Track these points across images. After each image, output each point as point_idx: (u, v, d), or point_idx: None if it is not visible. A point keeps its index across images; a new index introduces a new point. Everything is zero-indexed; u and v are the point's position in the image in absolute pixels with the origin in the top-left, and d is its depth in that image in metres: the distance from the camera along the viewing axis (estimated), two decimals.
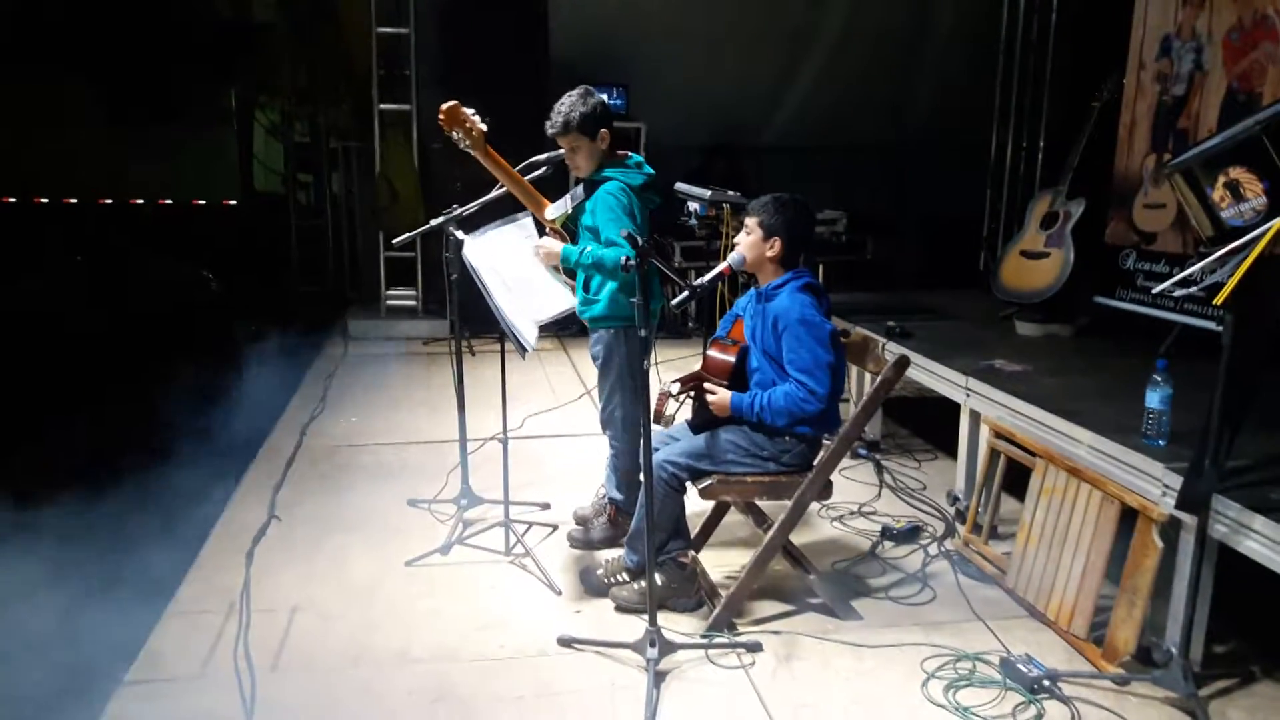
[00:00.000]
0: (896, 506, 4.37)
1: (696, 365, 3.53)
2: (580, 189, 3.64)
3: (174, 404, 4.99)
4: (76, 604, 3.27)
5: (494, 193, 3.81)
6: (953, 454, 4.35)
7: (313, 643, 3.24)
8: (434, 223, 3.84)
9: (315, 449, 5.12)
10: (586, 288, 3.71)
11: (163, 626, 3.31)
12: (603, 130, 3.59)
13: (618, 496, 3.92)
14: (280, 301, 8.87)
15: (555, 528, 4.11)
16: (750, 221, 3.38)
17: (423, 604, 3.50)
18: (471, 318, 4.17)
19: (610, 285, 3.61)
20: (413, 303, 8.19)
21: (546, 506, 4.29)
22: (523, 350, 3.55)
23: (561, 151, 3.67)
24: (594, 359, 3.81)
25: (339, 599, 3.52)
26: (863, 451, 4.95)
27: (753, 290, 3.48)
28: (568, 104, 3.58)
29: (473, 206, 3.84)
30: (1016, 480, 3.75)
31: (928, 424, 5.22)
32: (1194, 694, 2.81)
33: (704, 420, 3.41)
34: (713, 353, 3.46)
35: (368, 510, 4.30)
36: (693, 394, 3.44)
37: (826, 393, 3.24)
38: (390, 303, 8.19)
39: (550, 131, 3.61)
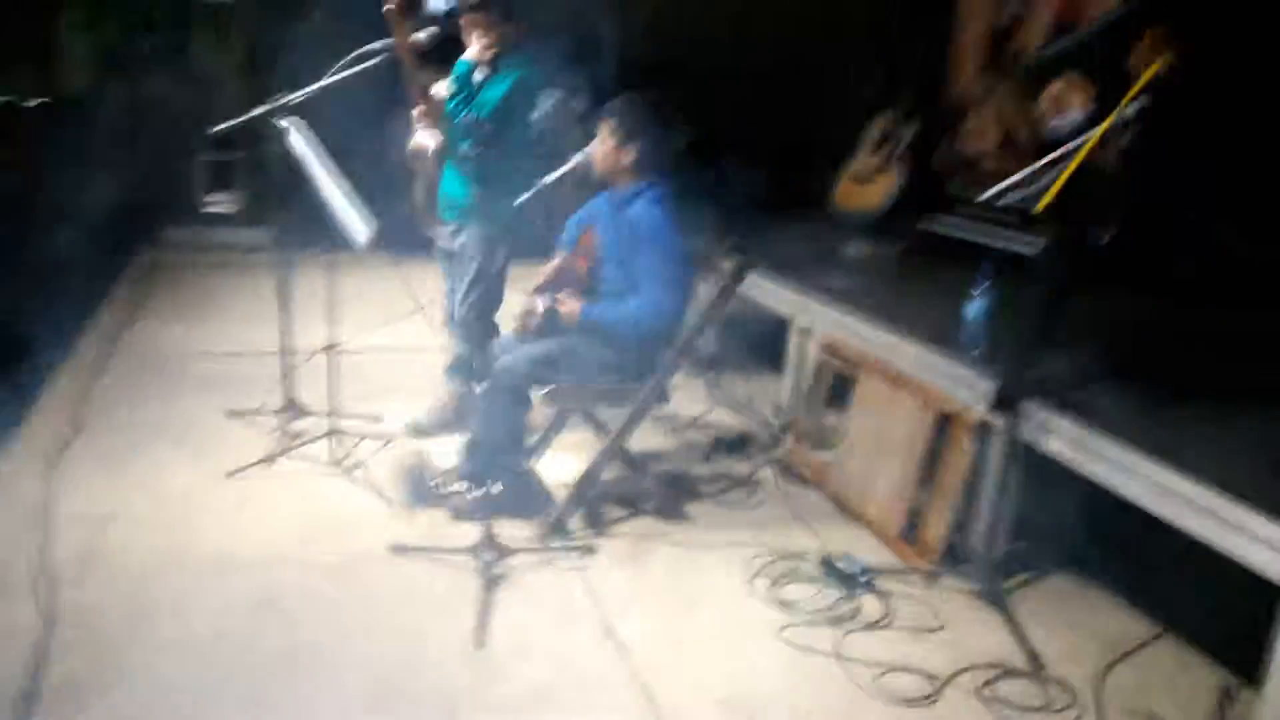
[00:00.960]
0: (727, 419, 4.48)
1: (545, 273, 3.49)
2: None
3: None
4: None
5: (324, 80, 3.61)
6: (781, 372, 4.49)
7: (125, 552, 3.07)
8: (257, 110, 3.61)
9: (128, 360, 4.81)
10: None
11: None
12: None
13: (461, 389, 3.91)
14: (87, 208, 8.19)
15: (387, 441, 4.01)
16: (604, 126, 3.31)
17: (245, 513, 3.36)
18: (297, 226, 3.97)
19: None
20: (232, 209, 7.73)
21: (378, 419, 4.17)
22: (355, 240, 3.38)
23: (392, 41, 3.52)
24: (457, 255, 3.81)
25: (154, 508, 3.34)
26: (697, 367, 5.04)
27: (604, 196, 3.43)
28: None
29: (299, 95, 3.62)
30: (841, 395, 3.90)
31: (759, 343, 5.36)
32: (996, 586, 3.03)
33: (551, 328, 3.37)
34: (563, 262, 3.41)
35: (185, 421, 4.08)
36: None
37: (676, 307, 3.26)
38: (209, 209, 7.70)
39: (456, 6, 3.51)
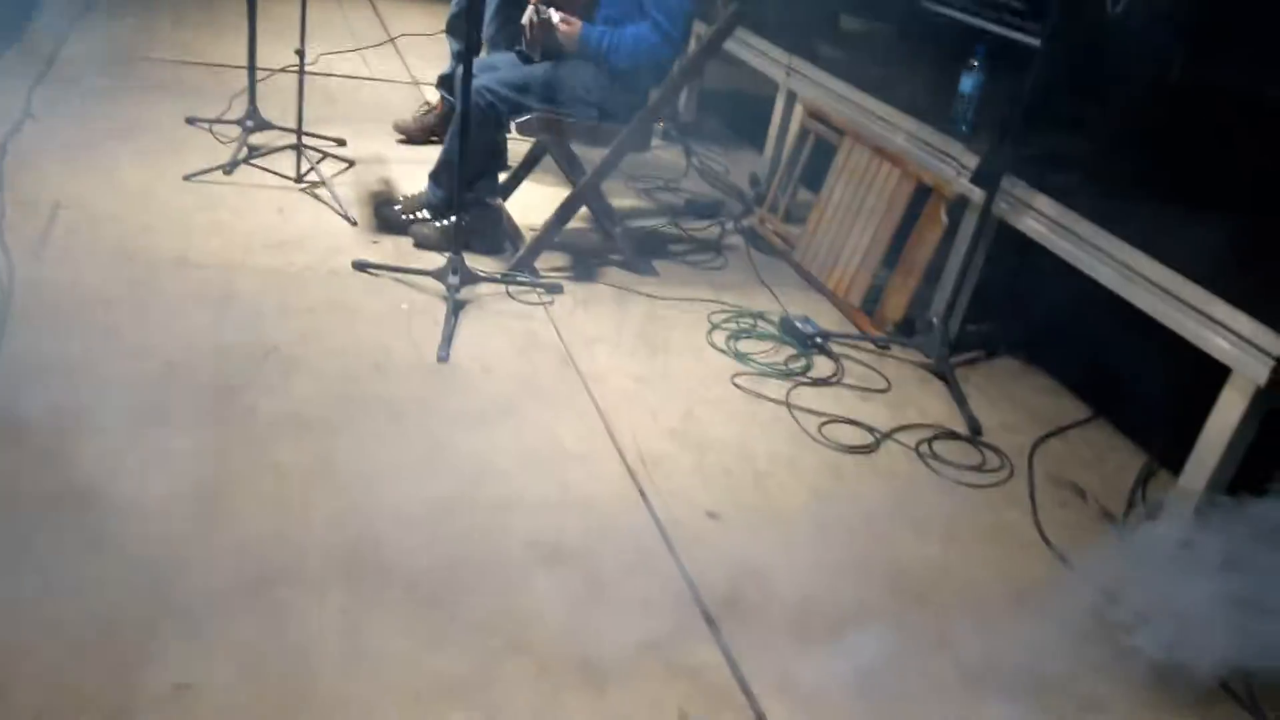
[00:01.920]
0: (701, 187, 4.42)
1: None
2: None
3: None
4: None
5: None
6: (759, 148, 4.42)
7: (80, 239, 3.00)
8: None
9: (79, 53, 4.54)
10: None
11: None
12: None
13: (450, 97, 3.91)
14: None
15: (351, 164, 3.90)
16: None
17: (203, 216, 3.28)
18: None
19: None
20: None
21: (342, 143, 4.03)
22: None
23: None
24: None
25: (108, 201, 3.25)
26: (674, 133, 4.93)
27: None
28: None
29: None
30: (816, 175, 3.85)
31: (739, 116, 5.24)
32: (944, 359, 3.11)
33: (541, 50, 3.22)
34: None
35: (141, 122, 3.91)
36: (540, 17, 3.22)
37: (678, 39, 3.14)
38: None
39: None
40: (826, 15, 4.78)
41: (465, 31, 2.94)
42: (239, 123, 3.84)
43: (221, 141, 3.83)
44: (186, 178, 3.50)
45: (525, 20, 3.22)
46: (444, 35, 4.15)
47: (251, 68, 3.80)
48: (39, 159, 3.43)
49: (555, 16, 3.14)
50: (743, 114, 5.13)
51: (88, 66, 4.39)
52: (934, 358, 3.14)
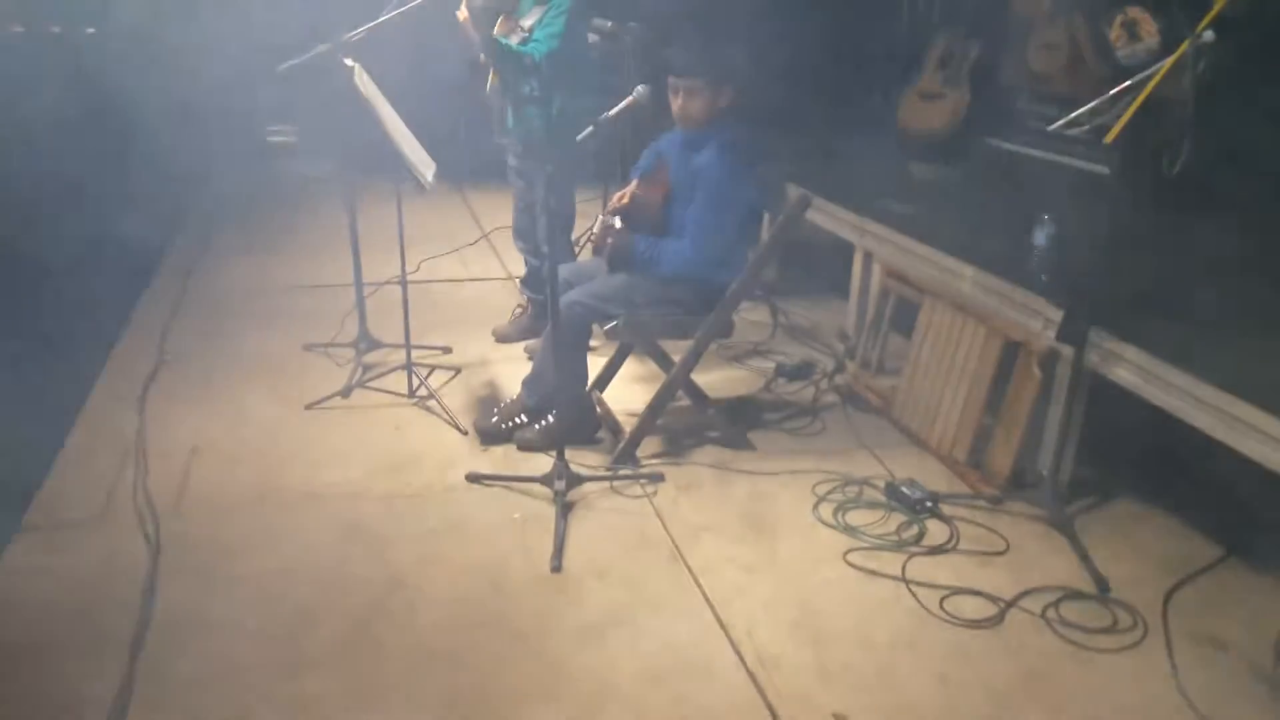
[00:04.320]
0: (790, 346, 4.50)
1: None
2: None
3: (53, 242, 4.69)
4: None
5: (382, 17, 3.63)
6: (844, 296, 4.49)
7: (215, 484, 3.22)
8: (321, 49, 3.64)
9: (202, 293, 4.95)
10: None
11: (57, 472, 3.23)
12: None
13: (535, 296, 4.21)
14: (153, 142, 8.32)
15: (458, 371, 4.11)
16: (678, 68, 3.32)
17: (326, 445, 3.49)
18: (358, 159, 4.05)
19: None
20: (292, 139, 7.81)
21: (448, 350, 4.27)
22: (421, 183, 3.47)
23: None
24: (525, 176, 4.08)
25: (239, 442, 3.49)
26: (759, 293, 5.04)
27: (678, 133, 3.45)
28: None
29: (359, 32, 3.65)
30: (904, 318, 3.90)
31: (821, 267, 5.34)
32: (1061, 511, 3.05)
33: (617, 258, 3.41)
34: (639, 190, 3.44)
35: (262, 354, 4.22)
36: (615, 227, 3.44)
37: (714, 259, 3.30)
38: (271, 139, 7.80)
39: None
40: (894, 167, 4.90)
41: (548, 252, 3.14)
42: (352, 345, 4.12)
43: (338, 364, 4.09)
44: (308, 407, 3.74)
45: (597, 229, 3.42)
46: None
47: (359, 288, 4.09)
48: (174, 404, 3.72)
49: (616, 223, 3.33)
50: (824, 265, 5.24)
51: (210, 305, 4.78)
52: (1049, 511, 3.08)
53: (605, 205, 3.59)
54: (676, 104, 3.37)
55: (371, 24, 3.66)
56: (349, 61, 3.57)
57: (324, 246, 5.62)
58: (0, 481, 3.03)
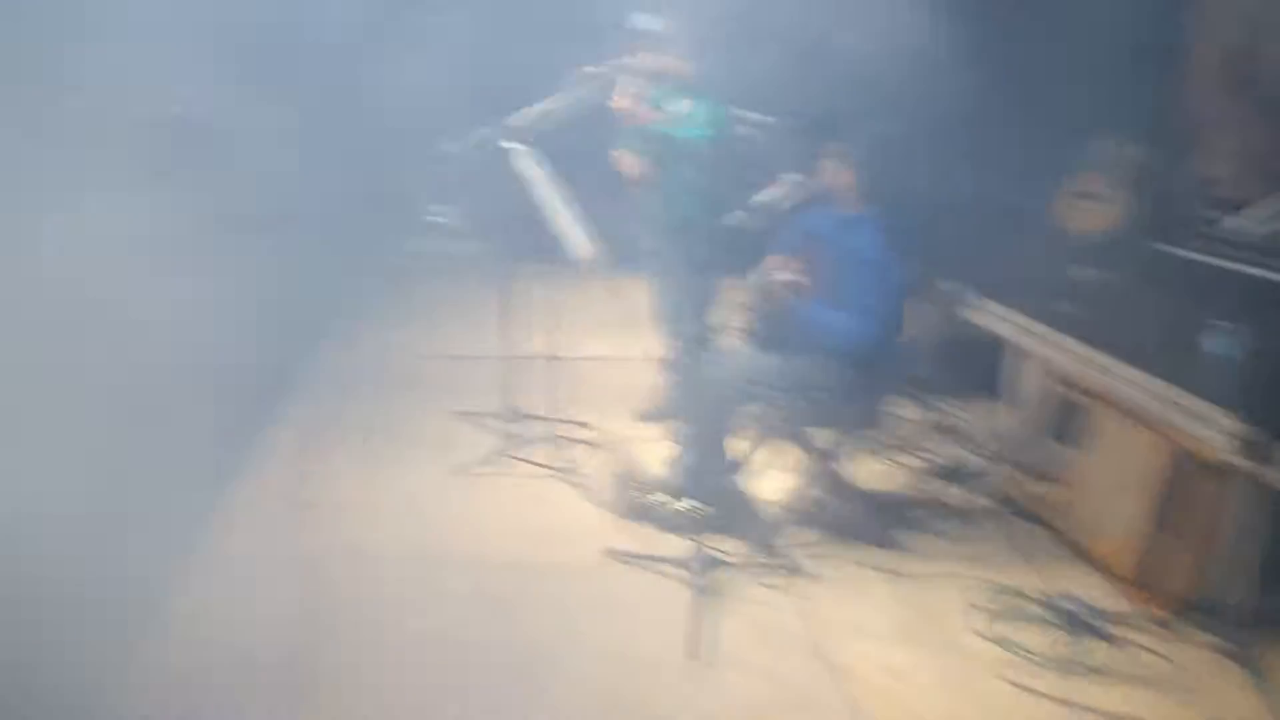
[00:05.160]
0: (941, 444, 4.35)
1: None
2: None
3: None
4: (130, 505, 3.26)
5: (545, 104, 3.77)
6: (997, 396, 4.32)
7: (362, 544, 3.30)
8: (483, 132, 3.80)
9: (359, 362, 5.15)
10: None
11: (220, 523, 3.36)
12: None
13: (678, 377, 4.15)
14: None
15: (599, 446, 4.13)
16: (835, 145, 3.34)
17: (468, 511, 3.55)
18: (518, 238, 4.19)
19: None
20: (452, 221, 8.14)
21: (590, 427, 4.30)
22: (578, 258, 3.54)
23: None
24: (669, 263, 4.08)
25: (387, 504, 3.58)
26: (910, 390, 4.92)
27: (829, 213, 3.44)
28: None
29: (523, 118, 3.79)
30: (1066, 423, 3.72)
31: (977, 365, 5.18)
32: (1243, 641, 2.81)
33: (769, 336, 3.38)
34: (790, 267, 3.40)
35: (414, 421, 4.35)
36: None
37: (876, 336, 3.23)
38: (430, 219, 8.15)
39: None
40: (1052, 267, 4.75)
41: (693, 334, 3.14)
42: (500, 415, 4.19)
43: (485, 433, 4.17)
44: (454, 472, 3.82)
45: (761, 284, 3.37)
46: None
47: (508, 361, 4.18)
48: (331, 467, 3.84)
49: (788, 277, 3.26)
50: (979, 362, 5.08)
51: (368, 373, 4.97)
52: (1228, 638, 2.84)
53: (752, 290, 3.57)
54: (829, 175, 3.35)
55: (535, 109, 3.80)
56: (510, 144, 3.71)
57: (478, 321, 5.77)
58: (160, 526, 3.16)
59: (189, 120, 4.95)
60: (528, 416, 4.19)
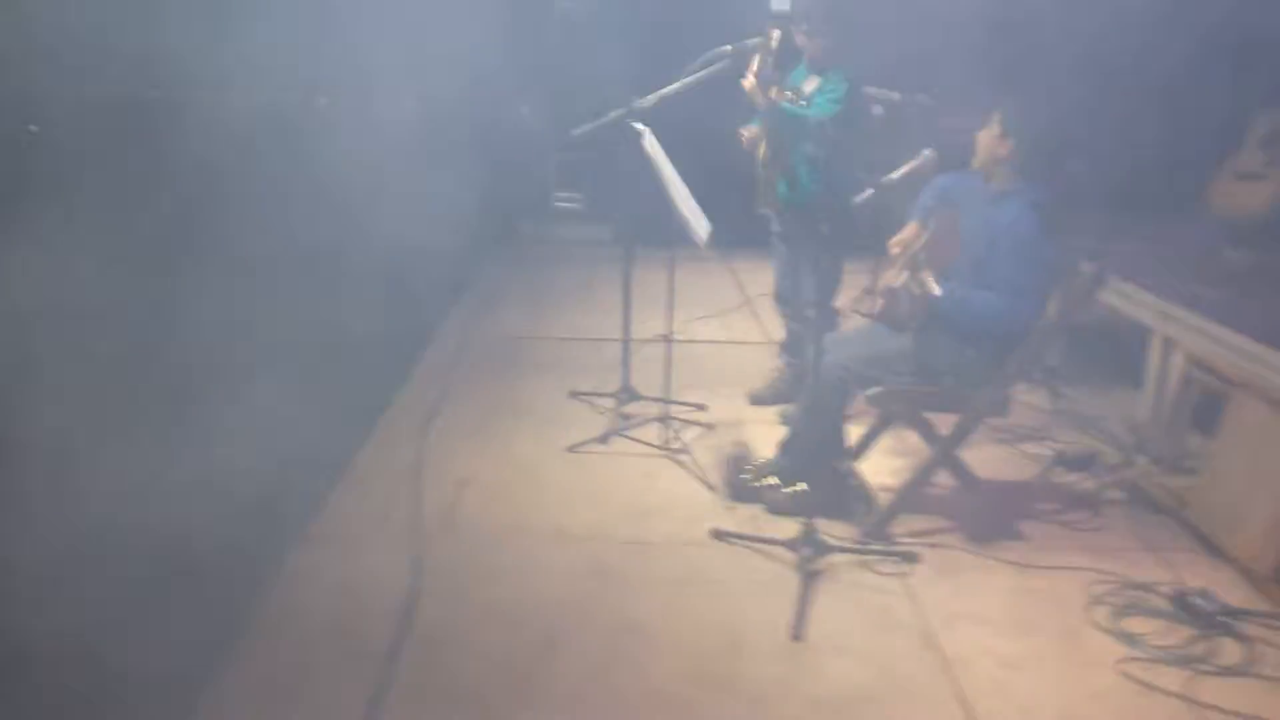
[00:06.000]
0: (1071, 433, 4.17)
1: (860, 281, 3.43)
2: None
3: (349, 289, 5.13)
4: (263, 462, 3.43)
5: (674, 84, 3.78)
6: (1134, 384, 4.12)
7: (478, 515, 3.38)
8: (613, 115, 3.83)
9: (484, 341, 5.29)
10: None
11: (342, 489, 3.52)
12: None
13: (794, 360, 4.24)
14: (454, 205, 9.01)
15: (711, 428, 4.13)
16: (996, 118, 3.23)
17: (581, 487, 3.59)
18: (635, 223, 4.21)
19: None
20: (578, 205, 8.25)
21: (702, 407, 4.30)
22: (697, 242, 3.57)
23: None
24: (790, 243, 4.16)
25: (503, 477, 3.66)
26: (1038, 375, 4.73)
27: (975, 182, 3.32)
28: None
29: (652, 99, 3.80)
30: (1206, 413, 3.52)
31: (1111, 352, 4.94)
32: None
33: (900, 315, 3.26)
34: (935, 236, 3.22)
35: (532, 399, 4.43)
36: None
37: (1031, 317, 3.10)
38: (559, 204, 8.28)
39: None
40: (1204, 250, 4.49)
41: (814, 315, 3.10)
42: (614, 395, 4.24)
43: (599, 412, 4.23)
44: (569, 449, 3.88)
45: (893, 287, 3.27)
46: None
47: (626, 343, 4.22)
48: (450, 439, 3.97)
49: (933, 286, 3.10)
50: (1114, 349, 4.84)
51: (490, 352, 5.09)
52: None
53: (876, 274, 3.50)
54: (985, 146, 3.24)
55: (665, 90, 3.80)
56: (639, 126, 3.73)
57: (597, 303, 5.85)
58: (291, 492, 3.32)
59: None
60: (640, 396, 4.22)
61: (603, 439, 3.95)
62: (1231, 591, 2.95)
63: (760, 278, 6.08)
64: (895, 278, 3.26)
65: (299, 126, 5.56)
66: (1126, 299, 4.07)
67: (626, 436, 3.99)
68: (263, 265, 4.50)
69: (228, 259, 4.39)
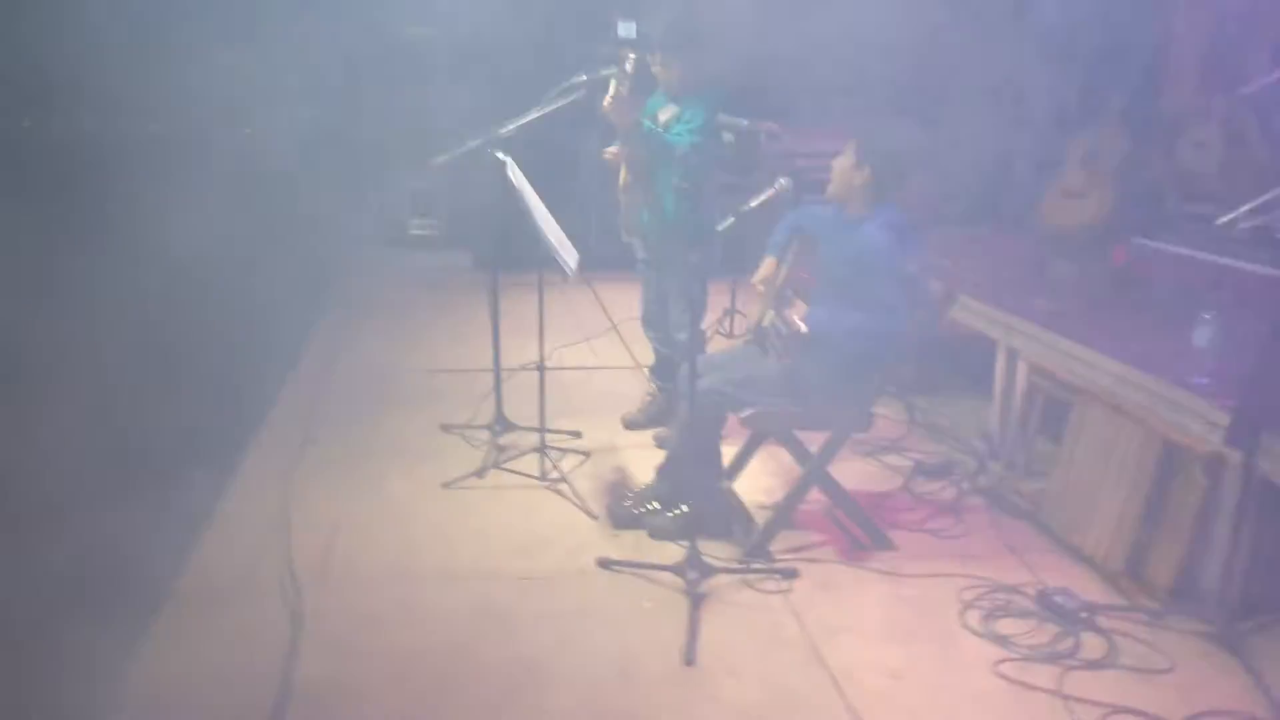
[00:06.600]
0: (928, 444, 4.37)
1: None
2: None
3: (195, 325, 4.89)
4: (118, 518, 3.24)
5: (534, 113, 3.77)
6: (983, 394, 4.35)
7: (355, 560, 3.28)
8: (472, 144, 3.80)
9: (344, 376, 5.12)
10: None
11: (205, 541, 3.34)
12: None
13: (664, 384, 4.29)
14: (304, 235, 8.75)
15: (588, 455, 4.13)
16: (850, 145, 3.33)
17: (461, 525, 3.53)
18: (497, 250, 4.18)
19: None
20: (434, 233, 8.13)
21: (578, 435, 4.30)
22: (565, 272, 3.58)
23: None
24: (655, 268, 4.19)
25: (378, 519, 3.55)
26: (893, 389, 4.94)
27: (831, 211, 3.43)
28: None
29: (512, 128, 3.79)
30: (1051, 419, 3.75)
31: (959, 364, 5.21)
32: (1231, 628, 2.84)
33: (768, 343, 3.35)
34: (790, 271, 3.36)
35: (402, 435, 4.32)
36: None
37: (900, 332, 3.22)
38: (413, 231, 8.13)
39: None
40: (1036, 264, 4.78)
41: (686, 340, 3.15)
42: (488, 428, 4.19)
43: (474, 445, 4.16)
44: (445, 486, 3.81)
45: (764, 327, 3.36)
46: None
47: (497, 374, 4.17)
48: (318, 482, 3.82)
49: (800, 324, 3.16)
50: (962, 360, 5.11)
51: (352, 387, 4.94)
52: (1217, 627, 2.87)
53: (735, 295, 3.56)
54: (840, 175, 3.36)
55: (523, 119, 3.80)
56: (500, 155, 3.71)
57: (460, 333, 5.76)
58: (150, 549, 3.13)
59: None
60: (514, 426, 4.19)
61: (479, 473, 3.89)
62: (1087, 587, 3.14)
63: (624, 300, 6.12)
64: (763, 316, 3.37)
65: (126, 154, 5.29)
66: (972, 312, 4.30)
67: (504, 469, 3.95)
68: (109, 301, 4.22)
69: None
